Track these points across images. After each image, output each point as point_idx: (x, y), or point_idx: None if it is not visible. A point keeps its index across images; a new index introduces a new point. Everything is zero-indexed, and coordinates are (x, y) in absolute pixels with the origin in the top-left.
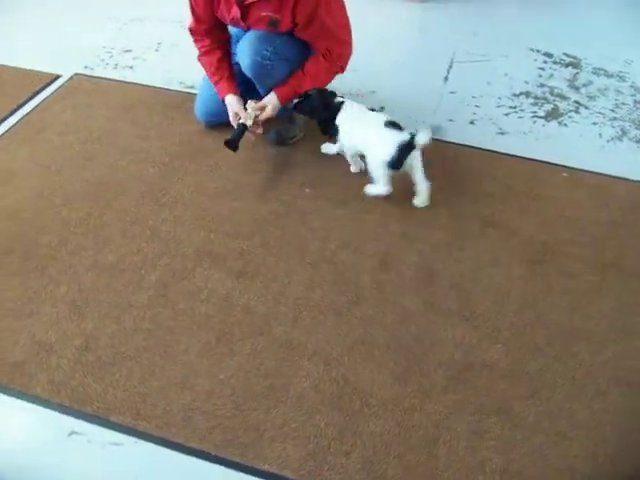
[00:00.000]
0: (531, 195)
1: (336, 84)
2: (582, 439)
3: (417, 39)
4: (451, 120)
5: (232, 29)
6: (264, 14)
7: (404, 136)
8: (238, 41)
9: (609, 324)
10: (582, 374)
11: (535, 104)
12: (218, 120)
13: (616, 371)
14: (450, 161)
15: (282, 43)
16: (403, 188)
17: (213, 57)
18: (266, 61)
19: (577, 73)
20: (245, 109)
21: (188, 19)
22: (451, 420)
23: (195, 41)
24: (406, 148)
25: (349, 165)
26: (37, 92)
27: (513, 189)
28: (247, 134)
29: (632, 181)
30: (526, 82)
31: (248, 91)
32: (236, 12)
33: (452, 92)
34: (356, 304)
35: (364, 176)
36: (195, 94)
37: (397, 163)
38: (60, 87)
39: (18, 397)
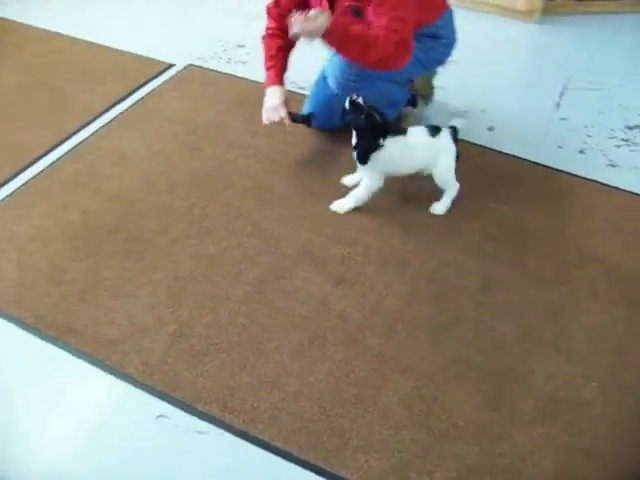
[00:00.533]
0: (639, 232)
1: (447, 99)
2: None
3: (530, 60)
4: (560, 147)
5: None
6: (347, 4)
7: (448, 130)
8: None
9: None
10: None
11: None
12: (326, 125)
13: None
14: (556, 189)
15: None
16: (503, 215)
17: (275, 43)
18: (351, 83)
19: None
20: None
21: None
22: (537, 455)
23: (268, 21)
24: (456, 137)
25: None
26: (151, 79)
27: (619, 224)
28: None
29: None
30: None
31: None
32: (325, 4)
33: (563, 119)
34: (453, 324)
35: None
36: (305, 95)
37: (458, 153)
38: (173, 76)
39: (111, 373)
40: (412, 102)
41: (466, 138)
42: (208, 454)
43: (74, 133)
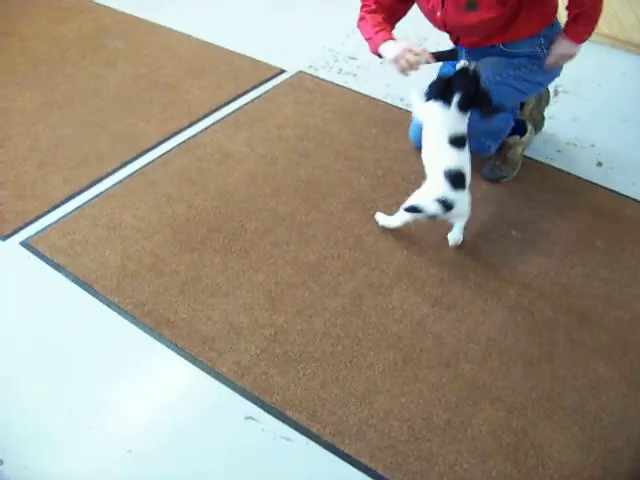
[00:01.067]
0: None
1: (555, 130)
2: None
3: None
4: None
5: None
6: None
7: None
8: None
9: None
10: None
11: None
12: None
13: None
14: None
15: (492, 67)
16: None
17: (377, 16)
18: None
19: None
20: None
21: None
22: None
23: (363, 7)
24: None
25: (559, 216)
26: (262, 82)
27: None
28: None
29: None
30: None
31: None
32: None
33: None
34: (547, 359)
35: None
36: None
37: None
38: (284, 82)
39: (204, 370)
40: (519, 130)
41: (574, 172)
42: (292, 461)
43: (184, 129)
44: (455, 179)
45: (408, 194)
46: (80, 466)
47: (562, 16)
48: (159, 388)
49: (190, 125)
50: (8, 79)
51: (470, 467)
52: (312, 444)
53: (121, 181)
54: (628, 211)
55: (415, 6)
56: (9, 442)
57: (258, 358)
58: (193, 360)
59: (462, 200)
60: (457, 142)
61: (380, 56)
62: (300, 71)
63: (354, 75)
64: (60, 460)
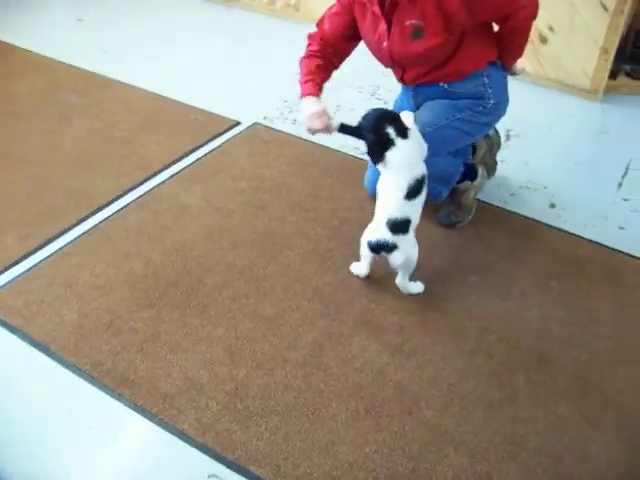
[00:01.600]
0: None
1: (508, 174)
2: None
3: (593, 139)
4: (621, 228)
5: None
6: (408, 23)
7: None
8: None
9: None
10: None
11: None
12: None
13: None
14: (616, 270)
15: (427, 112)
16: (563, 294)
17: (314, 62)
18: None
19: None
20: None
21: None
22: None
23: (308, 43)
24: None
25: (514, 258)
26: (217, 135)
27: None
28: None
29: None
30: None
31: None
32: (383, 27)
33: (625, 199)
34: (508, 401)
35: (528, 268)
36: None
37: None
38: (239, 134)
39: (165, 428)
40: (470, 175)
41: (528, 214)
42: None
43: (140, 183)
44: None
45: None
46: None
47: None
48: (120, 448)
49: (146, 180)
50: None
51: None
52: None
53: (77, 238)
54: (582, 251)
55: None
56: None
57: (219, 414)
58: (154, 418)
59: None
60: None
61: None
62: (255, 123)
63: None
64: None
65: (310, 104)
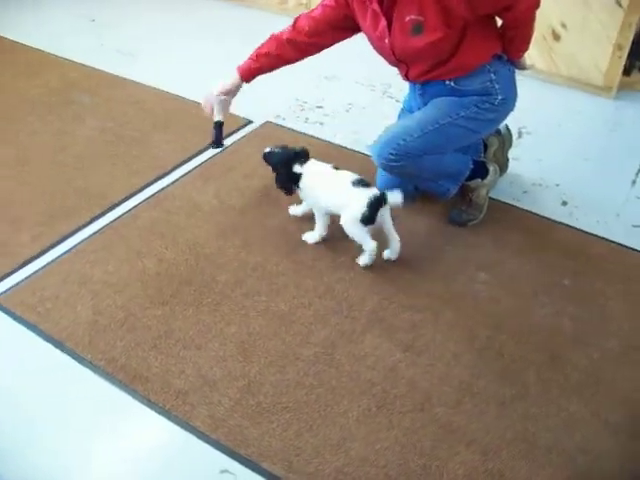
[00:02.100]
0: None
1: (520, 171)
2: None
3: (606, 136)
4: (635, 226)
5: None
6: (408, 18)
7: (373, 191)
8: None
9: None
10: None
11: None
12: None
13: None
14: (629, 268)
15: (409, 142)
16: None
17: (276, 48)
18: (392, 163)
19: None
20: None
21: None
22: None
23: (289, 27)
24: (376, 203)
25: (526, 256)
26: (229, 133)
27: None
28: None
29: None
30: None
31: None
32: (383, 23)
33: (638, 197)
34: (520, 399)
35: (540, 266)
36: None
37: (369, 219)
38: (251, 132)
39: (178, 424)
40: (481, 172)
41: (539, 212)
42: None
43: (152, 182)
44: None
45: (377, 240)
46: None
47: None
48: (133, 444)
49: (158, 178)
50: None
51: None
52: None
53: (90, 236)
54: (594, 249)
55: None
56: None
57: (232, 410)
58: (167, 414)
59: None
60: None
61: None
62: (267, 121)
63: (321, 124)
64: None
65: (225, 79)
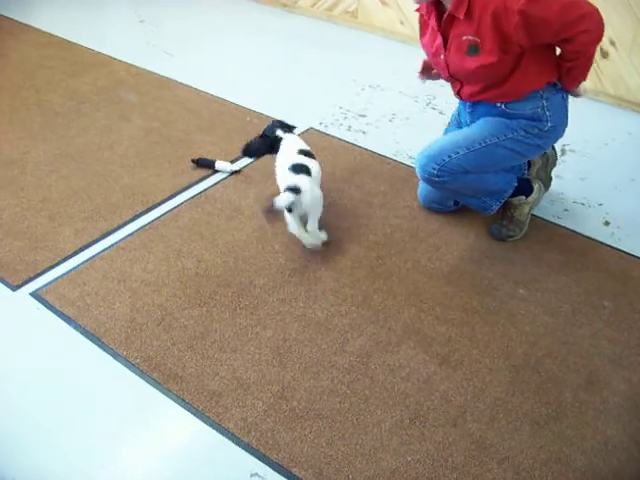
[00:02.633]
0: None
1: (562, 189)
2: None
3: None
4: None
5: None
6: (464, 38)
7: (296, 181)
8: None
9: None
10: None
11: None
12: (438, 207)
13: None
14: None
15: (454, 159)
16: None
17: None
18: (434, 178)
19: None
20: None
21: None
22: None
23: None
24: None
25: (566, 275)
26: None
27: None
28: None
29: None
30: None
31: None
32: (439, 40)
33: None
34: (555, 419)
35: (579, 285)
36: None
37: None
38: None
39: (211, 425)
40: (526, 190)
41: (581, 231)
42: None
43: (195, 183)
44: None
45: (416, 252)
46: None
47: None
48: (165, 443)
49: (201, 180)
50: (23, 131)
51: None
52: None
53: (131, 234)
54: (636, 272)
55: None
56: None
57: (265, 414)
58: (200, 415)
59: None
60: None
61: None
62: (310, 128)
63: (363, 132)
64: None
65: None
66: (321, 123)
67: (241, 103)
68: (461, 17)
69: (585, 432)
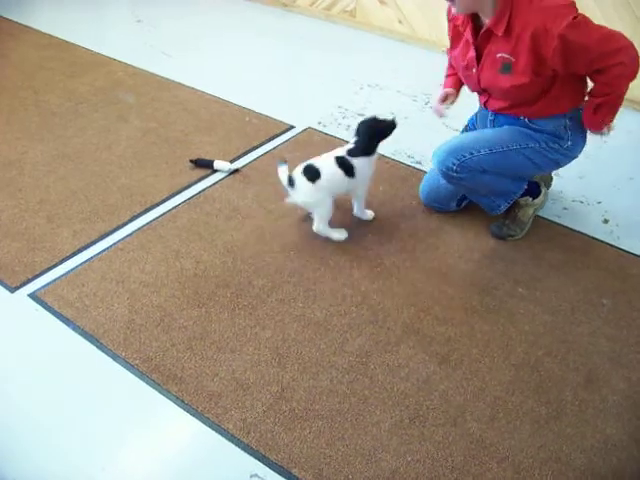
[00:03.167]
0: None
1: (562, 187)
2: None
3: None
4: None
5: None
6: (499, 55)
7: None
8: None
9: None
10: None
11: None
12: (440, 207)
13: None
14: None
15: (475, 157)
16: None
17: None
18: (453, 173)
19: None
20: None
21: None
22: None
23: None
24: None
25: (565, 273)
26: (271, 138)
27: None
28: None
29: None
30: None
31: None
32: (472, 54)
33: None
34: (555, 418)
35: (578, 283)
36: (422, 171)
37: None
38: (292, 137)
39: (210, 426)
40: (534, 191)
41: (580, 229)
42: None
43: (193, 183)
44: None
45: (415, 252)
46: None
47: None
48: (165, 443)
49: (199, 180)
50: (21, 132)
51: None
52: None
53: (130, 235)
54: (635, 269)
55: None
56: None
57: (264, 415)
58: (199, 416)
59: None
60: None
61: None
62: (309, 127)
63: None
64: None
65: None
66: (320, 122)
67: (240, 103)
68: (500, 34)
69: (585, 431)
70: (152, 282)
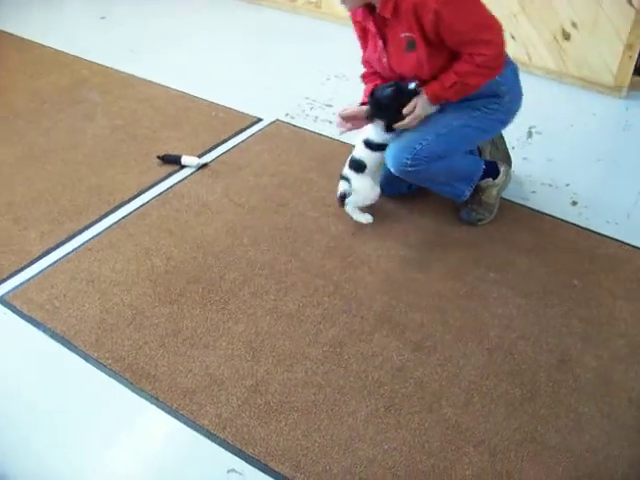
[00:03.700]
0: None
1: (530, 171)
2: None
3: (617, 137)
4: None
5: None
6: (403, 35)
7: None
8: None
9: None
10: None
11: None
12: (396, 193)
13: None
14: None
15: (425, 146)
16: (584, 292)
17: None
18: (408, 168)
19: None
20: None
21: None
22: None
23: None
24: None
25: (536, 256)
26: (238, 132)
27: None
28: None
29: None
30: None
31: None
32: (380, 43)
33: None
34: (529, 400)
35: (549, 266)
36: None
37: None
38: (260, 130)
39: (185, 423)
40: (491, 173)
41: (549, 212)
42: None
43: (161, 180)
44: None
45: (386, 240)
46: None
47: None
48: (140, 442)
49: (167, 176)
50: None
51: None
52: None
53: (99, 234)
54: (603, 249)
55: None
56: None
57: (239, 409)
58: (174, 413)
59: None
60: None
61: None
62: (277, 120)
63: (330, 122)
64: None
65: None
66: (287, 114)
67: (206, 97)
68: (388, 16)
69: (559, 410)
70: (123, 281)
